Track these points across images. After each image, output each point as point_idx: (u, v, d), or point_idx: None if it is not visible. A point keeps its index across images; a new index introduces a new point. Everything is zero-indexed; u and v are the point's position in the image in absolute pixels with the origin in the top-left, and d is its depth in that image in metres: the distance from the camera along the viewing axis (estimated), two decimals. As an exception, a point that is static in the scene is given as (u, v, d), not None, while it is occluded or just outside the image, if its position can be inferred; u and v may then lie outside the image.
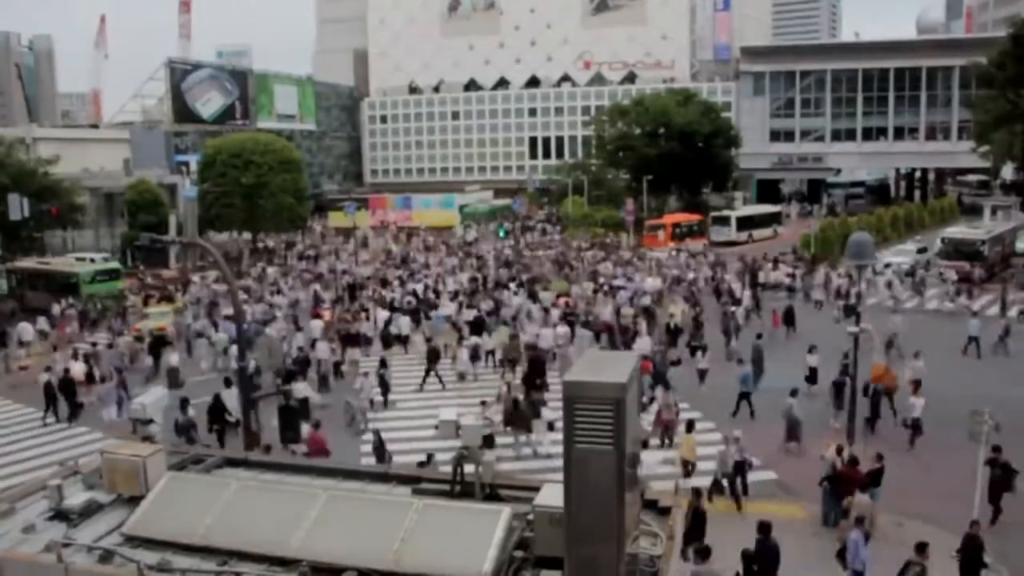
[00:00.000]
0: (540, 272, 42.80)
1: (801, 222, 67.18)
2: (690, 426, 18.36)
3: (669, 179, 68.56)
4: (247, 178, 58.10)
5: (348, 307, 35.57)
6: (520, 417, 20.16)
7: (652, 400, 21.64)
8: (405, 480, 7.97)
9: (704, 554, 11.80)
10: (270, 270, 50.58)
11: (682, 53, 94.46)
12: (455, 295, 35.97)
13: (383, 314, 32.28)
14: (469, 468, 7.50)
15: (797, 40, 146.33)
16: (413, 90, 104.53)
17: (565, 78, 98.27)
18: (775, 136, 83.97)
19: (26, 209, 44.34)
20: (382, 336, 30.15)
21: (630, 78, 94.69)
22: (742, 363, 23.49)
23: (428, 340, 28.59)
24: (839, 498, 15.27)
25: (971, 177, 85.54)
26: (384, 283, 41.43)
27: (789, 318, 31.63)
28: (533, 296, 34.57)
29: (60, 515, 7.39)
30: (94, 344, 30.86)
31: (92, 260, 47.20)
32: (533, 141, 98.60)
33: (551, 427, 20.06)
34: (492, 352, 27.52)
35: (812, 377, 23.29)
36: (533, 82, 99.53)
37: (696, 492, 14.15)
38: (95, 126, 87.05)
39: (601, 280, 39.19)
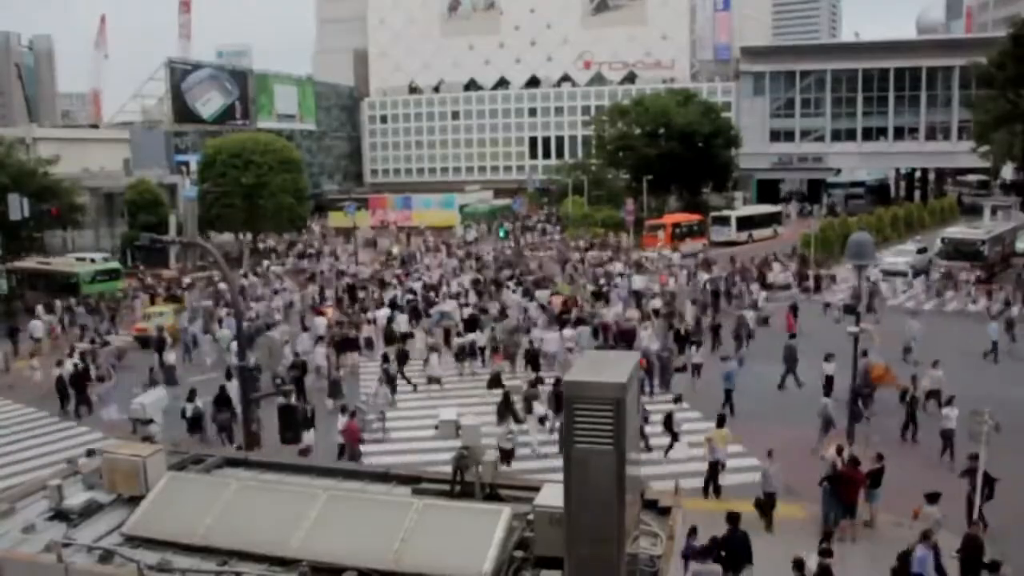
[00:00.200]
0: (546, 275, 42.33)
1: (801, 222, 67.18)
2: (721, 421, 18.60)
3: (669, 179, 68.55)
4: (247, 178, 58.09)
5: (347, 310, 34.94)
6: (509, 409, 20.51)
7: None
8: (405, 480, 7.97)
9: (704, 554, 11.82)
10: (274, 269, 50.86)
11: (682, 53, 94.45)
12: (457, 297, 35.77)
13: (384, 312, 32.69)
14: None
15: (797, 40, 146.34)
16: (413, 90, 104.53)
17: (565, 78, 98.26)
18: (775, 136, 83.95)
19: (26, 209, 44.30)
20: (385, 333, 30.30)
21: (630, 78, 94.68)
22: (726, 360, 24.05)
23: (428, 336, 29.28)
24: (839, 498, 15.28)
25: (971, 177, 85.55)
26: (383, 284, 41.39)
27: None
28: (530, 295, 35.19)
29: (60, 515, 7.40)
30: (92, 341, 31.01)
31: (92, 260, 47.21)
32: (533, 141, 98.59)
33: (542, 421, 20.76)
34: (483, 349, 27.81)
35: (828, 386, 22.03)
36: (533, 82, 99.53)
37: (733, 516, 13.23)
38: (95, 126, 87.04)
39: (602, 281, 38.98)
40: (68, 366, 25.88)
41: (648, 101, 71.58)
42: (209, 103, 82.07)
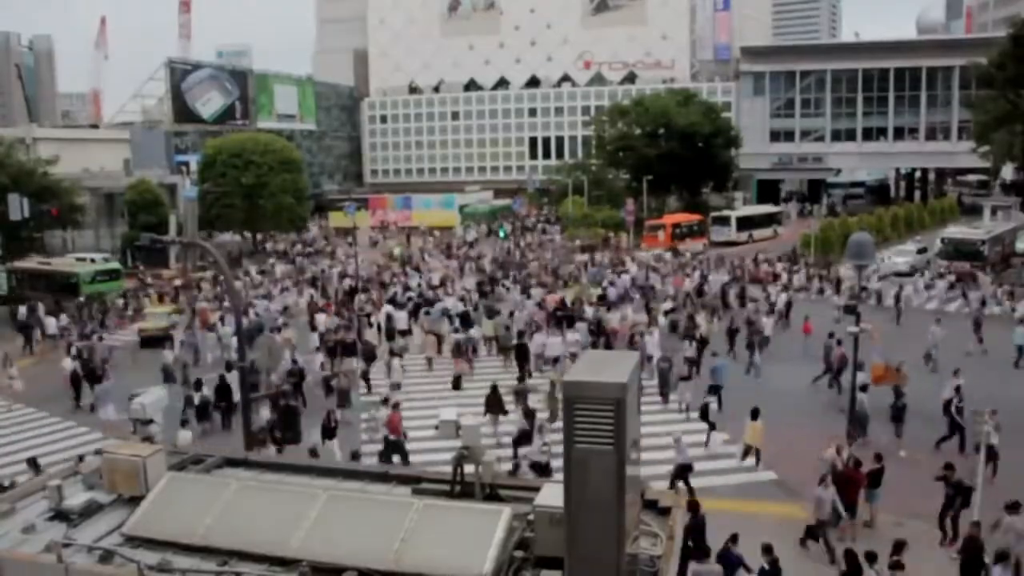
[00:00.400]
0: (545, 275, 42.19)
1: (801, 222, 67.20)
2: (755, 414, 18.69)
3: (669, 179, 68.58)
4: (247, 178, 58.16)
5: (347, 313, 34.14)
6: (497, 402, 21.16)
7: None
8: (405, 480, 7.97)
9: (704, 553, 11.83)
10: (279, 267, 51.05)
11: (682, 53, 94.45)
12: (463, 300, 35.20)
13: (386, 309, 33.24)
14: (469, 468, 7.50)
15: (797, 40, 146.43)
16: (413, 90, 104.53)
17: (565, 78, 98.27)
18: (775, 136, 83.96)
19: (26, 209, 44.35)
20: (387, 330, 30.75)
21: (630, 78, 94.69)
22: (715, 355, 24.55)
23: (427, 333, 29.58)
24: (840, 498, 15.29)
25: (971, 177, 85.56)
26: (383, 286, 41.37)
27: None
28: (527, 292, 36.29)
29: (60, 515, 7.39)
30: (89, 335, 31.32)
31: (92, 260, 47.24)
32: (533, 141, 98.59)
33: (526, 399, 21.40)
34: (472, 342, 28.58)
35: (862, 426, 21.20)
36: (533, 82, 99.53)
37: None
38: (95, 126, 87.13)
39: (606, 283, 38.59)
40: (67, 363, 26.51)
41: (648, 101, 71.60)
42: (209, 103, 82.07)
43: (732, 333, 28.83)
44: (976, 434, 16.20)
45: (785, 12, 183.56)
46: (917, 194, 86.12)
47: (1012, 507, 12.91)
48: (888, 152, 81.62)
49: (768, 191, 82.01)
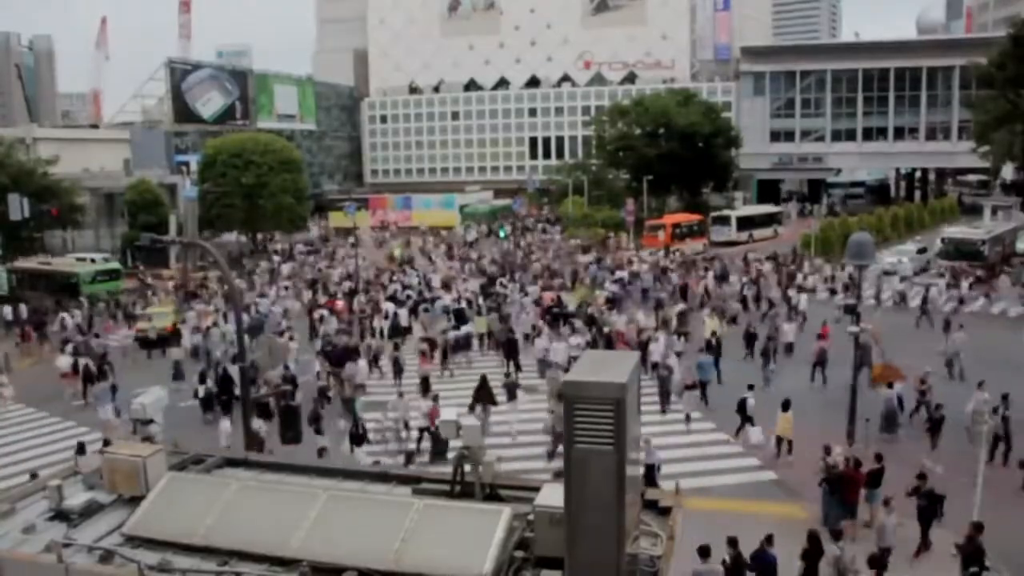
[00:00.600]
0: (551, 281, 41.73)
1: (801, 222, 67.19)
2: (786, 405, 18.95)
3: (669, 179, 68.55)
4: (247, 178, 58.16)
5: (346, 317, 33.95)
6: (486, 393, 21.34)
7: None
8: (405, 480, 7.97)
9: (704, 553, 11.82)
10: (284, 267, 51.15)
11: (682, 53, 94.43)
12: (469, 304, 34.89)
13: (387, 306, 33.78)
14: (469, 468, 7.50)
15: (797, 40, 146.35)
16: (413, 90, 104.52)
17: (565, 78, 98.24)
18: (775, 136, 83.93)
19: (26, 209, 44.41)
20: (391, 327, 31.12)
21: (630, 78, 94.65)
22: (704, 351, 24.93)
23: (421, 340, 29.61)
24: (841, 498, 15.31)
25: (971, 177, 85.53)
26: (384, 288, 41.25)
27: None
28: (524, 291, 36.73)
29: (60, 515, 7.40)
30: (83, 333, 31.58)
31: (92, 260, 47.24)
32: (533, 141, 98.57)
33: (512, 393, 22.27)
34: (471, 338, 29.40)
35: (889, 424, 20.92)
36: (533, 82, 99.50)
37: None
38: (95, 126, 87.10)
39: (613, 286, 38.23)
40: (64, 361, 27.14)
41: (648, 101, 71.57)
42: (209, 103, 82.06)
43: (750, 338, 27.73)
44: (976, 434, 16.18)
45: (785, 12, 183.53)
46: (917, 194, 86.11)
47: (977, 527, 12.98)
48: (888, 152, 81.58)
49: (768, 191, 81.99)
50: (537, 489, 6.74)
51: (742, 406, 20.41)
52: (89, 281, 41.17)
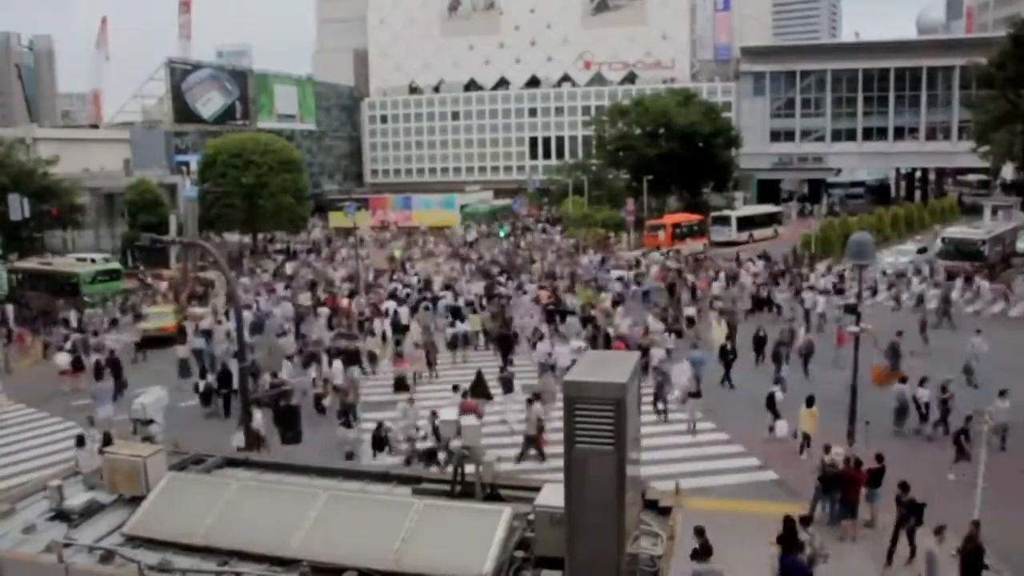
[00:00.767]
0: (552, 282, 41.38)
1: (801, 222, 67.18)
2: (810, 401, 19.13)
3: (669, 179, 68.54)
4: (247, 178, 58.12)
5: (346, 320, 33.62)
6: (481, 388, 22.22)
7: None
8: (406, 480, 7.98)
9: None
10: (289, 265, 51.48)
11: (682, 53, 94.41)
12: (471, 305, 34.76)
13: (388, 304, 34.22)
14: (470, 468, 7.50)
15: (797, 40, 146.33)
16: (413, 90, 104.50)
17: (565, 78, 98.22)
18: (775, 136, 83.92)
19: (26, 209, 44.42)
20: (392, 324, 31.38)
21: (630, 78, 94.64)
22: (696, 347, 25.32)
23: (427, 328, 30.24)
24: (842, 498, 15.35)
25: (971, 177, 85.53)
26: (384, 289, 41.20)
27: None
28: (522, 289, 37.27)
29: (61, 515, 7.40)
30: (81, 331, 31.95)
31: (92, 260, 47.23)
32: (533, 141, 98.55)
33: (508, 387, 22.89)
34: (467, 336, 29.82)
35: (925, 415, 20.47)
36: (533, 82, 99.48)
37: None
38: (95, 126, 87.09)
39: (618, 287, 38.07)
40: (62, 358, 27.84)
41: (648, 101, 71.57)
42: (209, 103, 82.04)
43: (759, 342, 26.75)
44: (976, 433, 16.17)
45: (785, 12, 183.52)
46: (917, 194, 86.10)
47: (938, 531, 13.02)
48: (888, 152, 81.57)
49: (768, 191, 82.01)
50: (537, 489, 6.74)
51: (770, 400, 20.75)
52: (89, 281, 41.13)
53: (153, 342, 32.32)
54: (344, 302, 35.67)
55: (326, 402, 22.98)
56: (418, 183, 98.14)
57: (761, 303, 34.26)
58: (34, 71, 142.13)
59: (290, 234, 66.95)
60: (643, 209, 63.20)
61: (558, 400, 19.69)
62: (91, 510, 7.44)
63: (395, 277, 44.10)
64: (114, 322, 36.20)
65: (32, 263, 45.04)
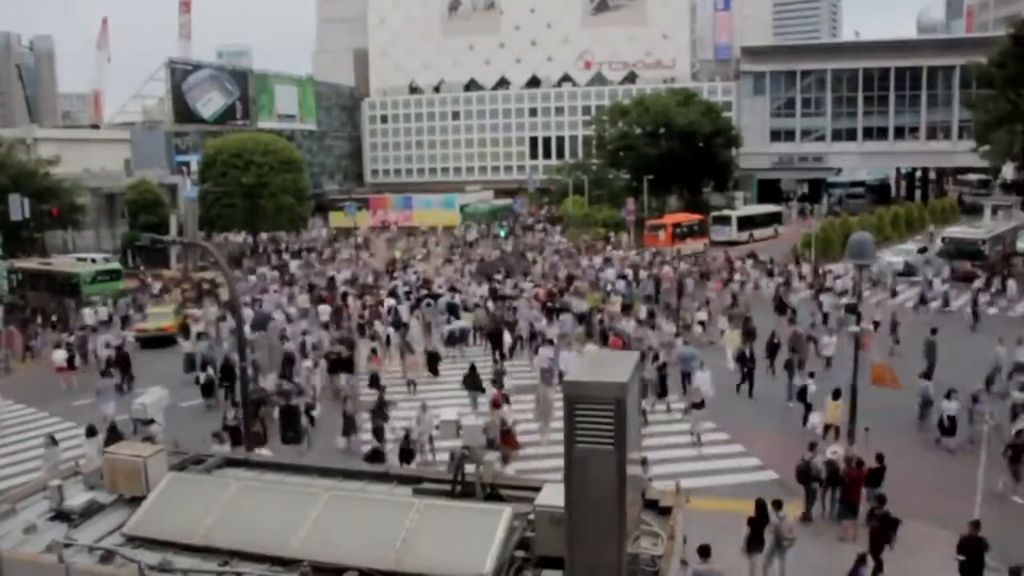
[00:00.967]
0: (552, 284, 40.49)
1: (802, 222, 67.19)
2: (836, 394, 19.42)
3: (670, 179, 68.56)
4: (248, 178, 58.13)
5: (345, 325, 33.08)
6: (474, 380, 22.71)
7: None
8: (406, 480, 7.97)
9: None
10: (293, 264, 51.74)
11: (682, 53, 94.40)
12: (476, 308, 34.30)
13: (389, 302, 34.53)
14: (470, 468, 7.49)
15: (797, 40, 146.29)
16: (413, 90, 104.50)
17: (565, 78, 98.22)
18: (775, 136, 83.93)
19: (27, 210, 44.45)
20: (393, 322, 31.55)
21: (630, 78, 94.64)
22: (687, 343, 25.58)
23: (427, 325, 30.81)
24: (844, 497, 15.41)
25: (972, 176, 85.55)
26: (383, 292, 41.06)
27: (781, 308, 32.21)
28: (519, 288, 37.58)
29: (61, 515, 7.40)
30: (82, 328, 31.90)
31: (93, 260, 47.26)
32: (533, 141, 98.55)
33: (500, 382, 22.80)
34: (465, 332, 30.24)
35: (951, 428, 19.60)
36: (533, 82, 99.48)
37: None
38: (96, 126, 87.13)
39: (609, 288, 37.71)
40: (58, 355, 28.17)
41: (648, 101, 71.58)
42: (210, 103, 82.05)
43: (773, 348, 25.86)
44: (976, 433, 16.19)
45: (785, 12, 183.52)
46: (918, 193, 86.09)
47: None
48: (889, 151, 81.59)
49: (769, 191, 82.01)
50: (538, 489, 6.74)
51: (803, 393, 21.08)
52: (89, 281, 41.14)
53: (153, 342, 32.32)
54: (351, 302, 35.81)
55: (315, 413, 21.15)
56: (418, 183, 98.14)
57: (780, 307, 33.18)
58: (34, 71, 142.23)
59: (292, 234, 67.00)
60: (643, 209, 63.22)
61: (556, 409, 19.66)
62: (91, 510, 7.44)
63: (395, 276, 44.18)
64: (125, 319, 36.22)
65: (32, 263, 45.06)
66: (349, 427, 20.00)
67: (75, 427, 23.42)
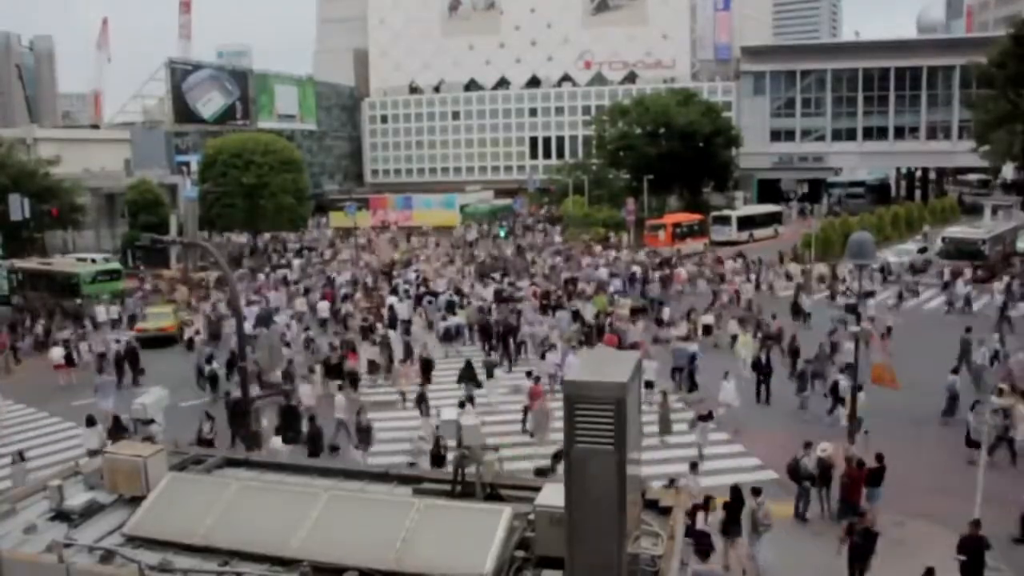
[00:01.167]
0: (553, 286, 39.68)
1: (802, 221, 67.17)
2: (859, 388, 19.43)
3: (670, 179, 68.52)
4: (248, 178, 58.11)
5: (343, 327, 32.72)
6: (471, 375, 23.63)
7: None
8: (406, 480, 7.97)
9: (704, 554, 11.83)
10: (296, 262, 51.90)
11: (682, 53, 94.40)
12: (481, 311, 33.78)
13: (389, 300, 34.93)
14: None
15: (797, 40, 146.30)
16: (413, 90, 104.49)
17: (565, 78, 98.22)
18: (776, 136, 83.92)
19: (27, 210, 44.41)
20: (389, 320, 32.07)
21: (630, 78, 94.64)
22: (681, 340, 26.18)
23: (430, 323, 31.57)
24: (844, 498, 15.43)
25: (972, 176, 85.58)
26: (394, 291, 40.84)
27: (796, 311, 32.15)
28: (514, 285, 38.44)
29: (61, 515, 7.41)
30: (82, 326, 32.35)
31: (93, 260, 47.25)
32: (533, 141, 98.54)
33: (491, 372, 24.11)
34: (460, 328, 31.31)
35: (950, 407, 20.42)
36: (533, 82, 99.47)
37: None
38: (96, 126, 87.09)
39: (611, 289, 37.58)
40: (56, 352, 28.65)
41: (649, 101, 71.56)
42: (210, 103, 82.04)
43: (794, 354, 24.91)
44: (977, 433, 16.17)
45: (785, 12, 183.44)
46: (918, 193, 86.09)
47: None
48: (889, 151, 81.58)
49: (769, 191, 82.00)
50: (538, 489, 6.74)
51: (835, 387, 21.32)
52: (90, 281, 41.14)
53: (153, 342, 32.32)
54: (358, 299, 36.37)
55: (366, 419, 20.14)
56: (418, 183, 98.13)
57: (796, 310, 32.64)
58: (34, 71, 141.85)
59: (297, 233, 67.07)
60: (643, 209, 63.22)
61: (554, 419, 19.65)
62: (91, 510, 7.44)
63: (396, 275, 44.30)
64: (133, 318, 36.24)
65: (32, 263, 45.04)
66: (364, 439, 19.34)
67: (75, 427, 23.42)
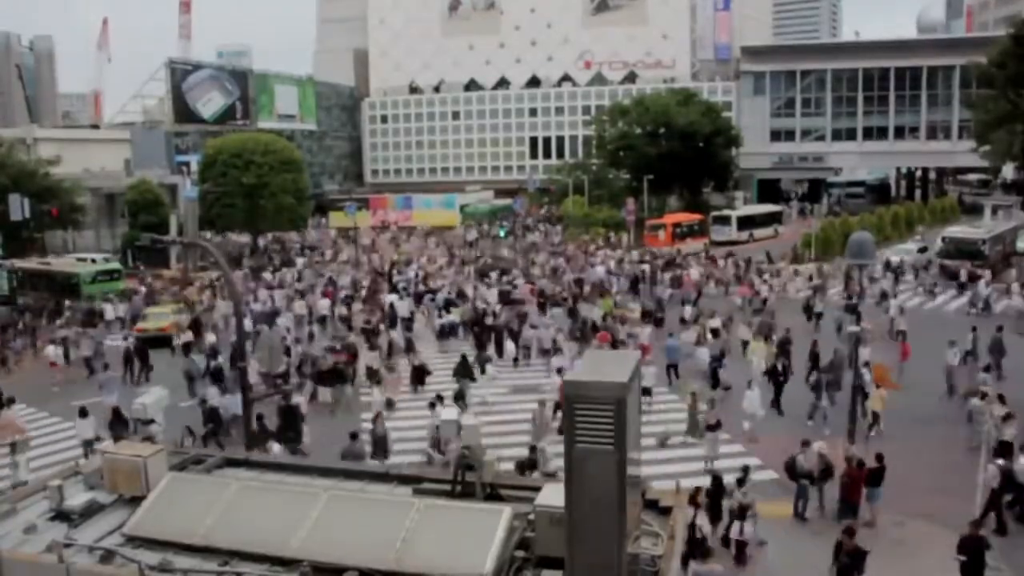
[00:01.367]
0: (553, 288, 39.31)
1: (802, 221, 67.19)
2: (878, 385, 20.05)
3: (670, 179, 68.56)
4: (248, 178, 58.11)
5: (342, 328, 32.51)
6: (466, 370, 24.09)
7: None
8: (406, 480, 7.96)
9: (704, 554, 11.83)
10: (299, 261, 52.20)
11: (683, 53, 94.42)
12: (485, 314, 33.43)
13: (391, 298, 35.20)
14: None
15: (797, 40, 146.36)
16: (413, 90, 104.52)
17: (565, 78, 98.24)
18: (776, 136, 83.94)
19: (27, 210, 44.41)
20: (388, 318, 32.36)
21: (631, 78, 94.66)
22: (672, 335, 26.53)
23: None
24: (843, 497, 15.42)
25: (972, 176, 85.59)
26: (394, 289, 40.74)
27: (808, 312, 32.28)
28: (515, 287, 38.58)
29: (61, 515, 7.40)
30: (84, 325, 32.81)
31: (93, 260, 47.26)
32: (533, 141, 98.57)
33: (484, 367, 24.82)
34: (457, 326, 32.06)
35: (949, 388, 20.71)
36: (533, 82, 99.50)
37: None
38: (96, 126, 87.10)
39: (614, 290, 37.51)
40: (52, 350, 29.09)
41: (649, 101, 71.59)
42: (210, 103, 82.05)
43: (815, 359, 24.10)
44: (977, 433, 16.18)
45: (785, 12, 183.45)
46: (918, 193, 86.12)
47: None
48: (889, 151, 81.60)
49: (769, 191, 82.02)
50: (538, 489, 6.74)
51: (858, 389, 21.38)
52: (89, 281, 41.15)
53: (153, 342, 32.28)
54: (359, 303, 36.14)
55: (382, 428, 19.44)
56: (418, 183, 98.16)
57: (808, 313, 32.23)
58: (34, 71, 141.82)
59: (299, 233, 67.14)
60: (643, 209, 63.23)
61: (552, 425, 19.67)
62: (91, 510, 7.43)
63: (396, 274, 44.36)
64: (135, 318, 36.19)
65: (32, 263, 45.05)
66: (380, 449, 18.67)
67: (75, 427, 23.47)
